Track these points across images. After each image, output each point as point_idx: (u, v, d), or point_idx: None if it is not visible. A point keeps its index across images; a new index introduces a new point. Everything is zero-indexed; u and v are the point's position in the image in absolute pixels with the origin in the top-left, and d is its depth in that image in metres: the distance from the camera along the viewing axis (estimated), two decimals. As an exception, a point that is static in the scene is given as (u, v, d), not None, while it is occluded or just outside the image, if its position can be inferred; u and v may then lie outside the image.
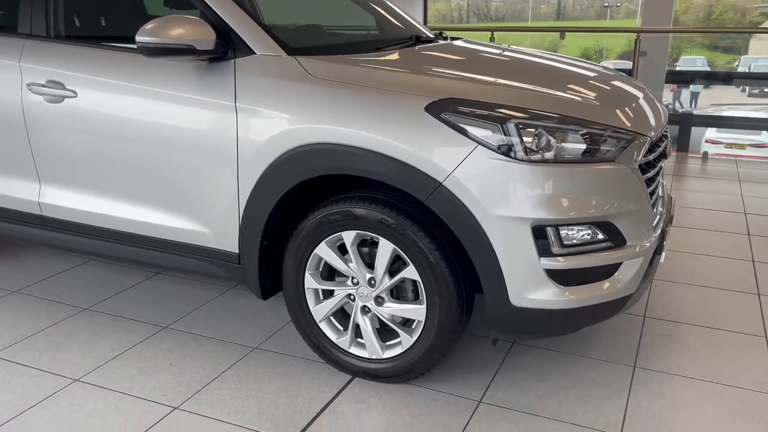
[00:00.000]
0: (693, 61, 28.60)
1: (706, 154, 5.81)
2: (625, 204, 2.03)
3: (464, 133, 1.94)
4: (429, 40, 2.90)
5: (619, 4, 43.97)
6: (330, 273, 2.32)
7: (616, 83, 2.52)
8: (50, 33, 2.59)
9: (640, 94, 2.45)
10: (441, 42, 2.88)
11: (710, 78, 13.27)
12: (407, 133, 1.99)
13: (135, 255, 2.61)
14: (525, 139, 1.92)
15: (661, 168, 2.38)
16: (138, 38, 2.14)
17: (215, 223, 2.37)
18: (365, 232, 2.13)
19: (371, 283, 2.19)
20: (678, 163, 5.58)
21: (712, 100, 24.74)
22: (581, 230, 1.99)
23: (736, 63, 31.65)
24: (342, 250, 2.23)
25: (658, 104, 2.51)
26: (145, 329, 2.66)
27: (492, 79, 2.24)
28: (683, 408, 2.13)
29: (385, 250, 2.11)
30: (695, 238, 3.65)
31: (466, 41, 3.02)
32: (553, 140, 1.94)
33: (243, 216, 2.29)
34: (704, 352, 2.46)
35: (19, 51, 2.58)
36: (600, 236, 2.01)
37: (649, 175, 2.18)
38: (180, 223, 2.44)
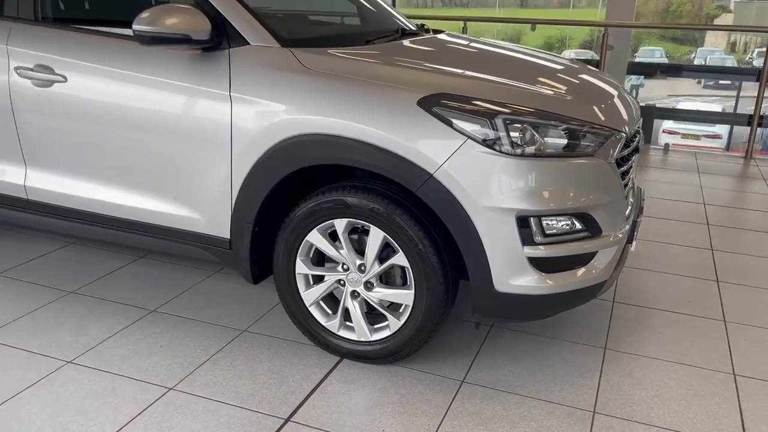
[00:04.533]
0: (652, 52, 29.34)
1: (667, 146, 6.05)
2: (601, 196, 2.17)
3: (454, 127, 2.04)
4: (414, 33, 2.98)
5: (584, -7, 44.67)
6: (319, 258, 2.40)
7: (594, 81, 2.66)
8: (38, 16, 2.59)
9: (615, 92, 2.59)
10: (425, 36, 2.96)
11: (670, 71, 13.70)
12: (400, 126, 2.08)
13: (125, 239, 2.65)
14: (512, 133, 2.03)
15: (633, 161, 2.53)
16: (135, 26, 2.17)
17: (207, 209, 2.43)
18: (357, 220, 2.23)
19: (361, 269, 2.28)
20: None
21: (670, 90, 25.46)
22: (561, 220, 2.12)
23: (693, 55, 32.56)
24: (333, 236, 2.32)
25: (631, 101, 2.66)
26: (133, 312, 2.71)
27: (479, 75, 2.34)
28: (649, 386, 2.29)
29: (376, 237, 2.21)
30: (659, 227, 3.84)
31: (448, 34, 3.11)
32: (536, 135, 2.06)
33: (235, 203, 2.36)
34: (669, 335, 2.64)
35: (6, 34, 2.57)
36: (578, 226, 2.15)
37: (623, 169, 2.33)
38: (171, 208, 2.49)
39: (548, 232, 2.10)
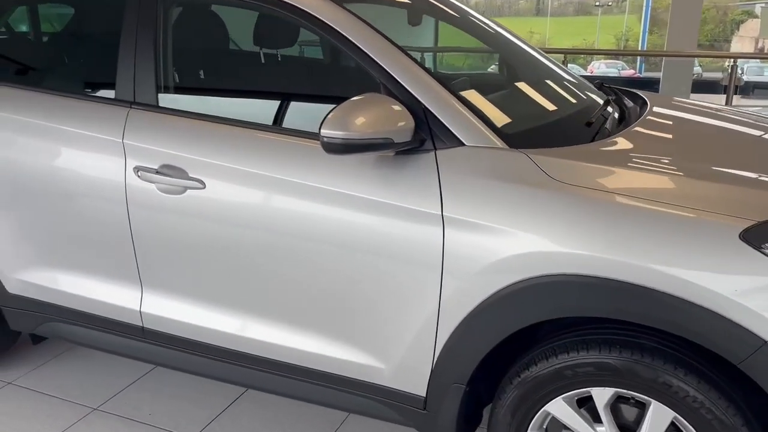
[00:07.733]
0: (688, 63, 28.48)
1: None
2: None
3: (802, 273, 1.40)
4: (613, 102, 2.34)
5: (610, 3, 44.14)
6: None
7: None
8: (162, 101, 2.00)
9: None
10: (654, 111, 2.26)
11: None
12: (714, 269, 1.44)
13: (272, 384, 2.04)
14: None
15: None
16: (324, 132, 1.57)
17: (395, 358, 1.81)
18: (628, 391, 1.59)
19: (628, 454, 1.65)
20: None
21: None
22: None
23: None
24: (580, 403, 1.68)
25: None
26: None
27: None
28: None
29: (661, 418, 1.57)
30: None
31: (676, 101, 2.42)
32: None
33: (440, 356, 1.74)
34: None
35: (122, 125, 1.99)
36: None
37: None
38: (340, 352, 1.89)
39: None
